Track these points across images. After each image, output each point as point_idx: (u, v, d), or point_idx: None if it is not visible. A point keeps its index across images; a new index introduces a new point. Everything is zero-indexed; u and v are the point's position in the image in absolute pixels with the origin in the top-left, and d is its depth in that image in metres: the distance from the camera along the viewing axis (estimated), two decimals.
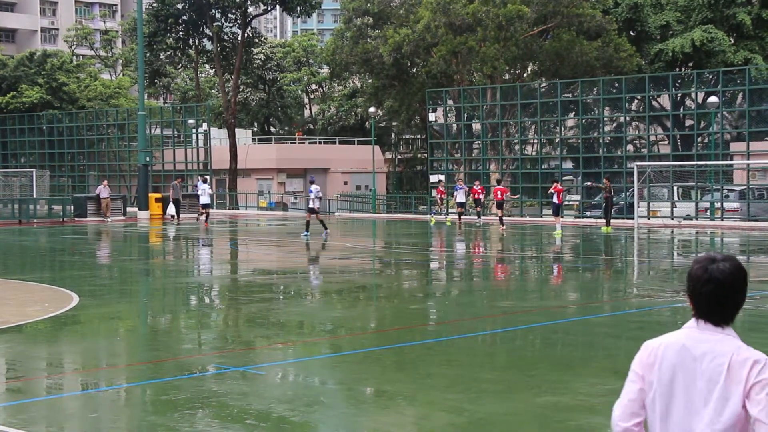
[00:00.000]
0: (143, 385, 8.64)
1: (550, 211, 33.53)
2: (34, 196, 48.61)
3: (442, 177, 44.36)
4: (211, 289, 17.12)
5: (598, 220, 34.38)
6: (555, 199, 30.59)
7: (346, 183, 58.53)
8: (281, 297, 15.61)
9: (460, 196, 35.57)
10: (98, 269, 20.73)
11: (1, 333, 11.34)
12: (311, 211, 28.44)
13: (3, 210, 42.04)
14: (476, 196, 35.79)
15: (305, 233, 28.13)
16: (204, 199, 36.45)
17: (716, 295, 3.03)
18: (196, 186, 41.10)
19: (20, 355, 10.23)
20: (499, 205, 32.77)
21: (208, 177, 41.97)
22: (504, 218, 32.49)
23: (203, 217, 35.98)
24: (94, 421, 7.51)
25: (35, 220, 38.34)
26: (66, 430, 7.45)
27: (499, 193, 32.83)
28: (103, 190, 39.40)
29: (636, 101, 41.88)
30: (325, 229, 28.66)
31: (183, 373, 9.10)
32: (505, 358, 10.05)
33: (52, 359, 10.26)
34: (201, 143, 52.31)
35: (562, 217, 31.58)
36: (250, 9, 57.86)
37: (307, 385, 8.79)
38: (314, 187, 28.52)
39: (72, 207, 40.15)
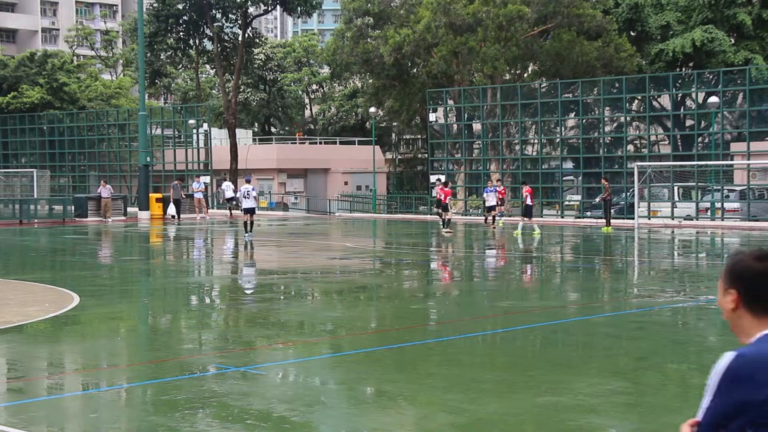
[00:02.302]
0: (144, 385, 8.65)
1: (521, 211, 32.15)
2: (35, 196, 48.60)
3: (441, 176, 44.30)
4: (212, 289, 17.14)
5: (599, 220, 34.39)
6: (529, 201, 30.69)
7: (346, 183, 58.54)
8: (281, 297, 15.62)
9: (491, 200, 33.36)
10: (99, 269, 20.74)
11: (2, 333, 11.35)
12: (248, 211, 27.94)
13: (4, 210, 42.02)
14: (444, 199, 31.82)
15: (247, 234, 27.71)
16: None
17: None
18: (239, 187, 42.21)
19: (21, 355, 10.24)
20: (444, 207, 31.13)
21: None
22: (448, 220, 30.98)
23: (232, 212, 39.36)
24: (95, 421, 7.52)
25: (36, 220, 38.33)
26: (66, 430, 7.46)
27: (442, 195, 31.38)
28: (104, 191, 39.44)
29: (636, 101, 41.87)
30: (247, 232, 27.88)
31: (183, 373, 9.11)
32: (505, 358, 10.06)
33: (52, 359, 10.27)
34: (201, 143, 52.33)
35: (559, 214, 31.53)
36: (251, 9, 57.86)
37: (307, 385, 8.80)
38: (250, 186, 28.47)
39: (72, 207, 40.15)
